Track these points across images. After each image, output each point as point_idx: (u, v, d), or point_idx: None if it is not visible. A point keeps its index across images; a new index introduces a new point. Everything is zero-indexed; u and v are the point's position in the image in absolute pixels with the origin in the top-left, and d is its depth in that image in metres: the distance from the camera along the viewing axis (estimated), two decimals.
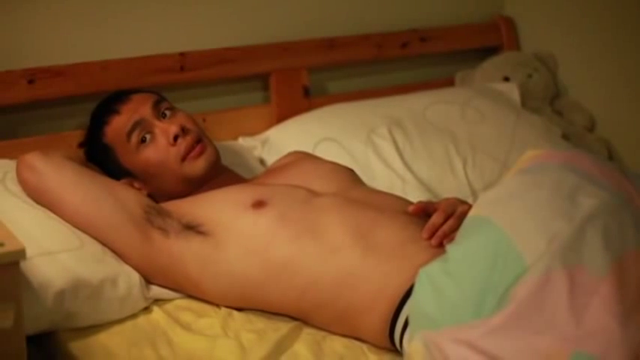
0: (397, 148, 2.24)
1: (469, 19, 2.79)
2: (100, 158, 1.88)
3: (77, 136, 2.02)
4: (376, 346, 1.59)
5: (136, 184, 1.84)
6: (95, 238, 1.71)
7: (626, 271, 1.31)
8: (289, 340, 1.59)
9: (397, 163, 2.22)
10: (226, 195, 1.76)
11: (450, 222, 1.62)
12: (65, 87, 2.06)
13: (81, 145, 1.97)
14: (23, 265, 1.43)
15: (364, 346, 1.59)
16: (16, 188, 1.77)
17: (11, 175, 1.80)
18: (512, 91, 2.57)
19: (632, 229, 1.36)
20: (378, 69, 2.65)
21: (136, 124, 1.82)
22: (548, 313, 1.28)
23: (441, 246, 1.58)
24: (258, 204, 1.70)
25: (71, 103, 2.12)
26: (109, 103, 1.89)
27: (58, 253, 1.64)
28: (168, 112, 1.87)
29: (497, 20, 2.80)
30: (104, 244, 1.71)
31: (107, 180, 1.79)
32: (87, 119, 1.95)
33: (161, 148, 1.82)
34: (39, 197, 1.75)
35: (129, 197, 1.75)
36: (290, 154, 2.06)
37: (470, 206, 1.64)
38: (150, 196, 1.83)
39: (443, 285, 1.38)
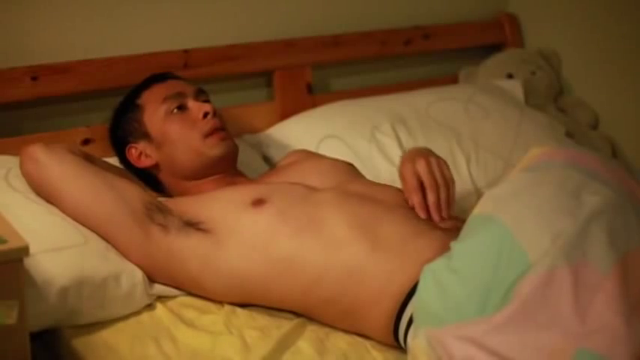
0: (400, 145, 2.24)
1: (472, 16, 2.78)
2: (124, 116, 1.92)
3: (81, 132, 2.02)
4: (380, 343, 1.59)
5: (148, 150, 1.88)
6: (96, 232, 1.71)
7: (630, 269, 1.31)
8: (292, 337, 1.59)
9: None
10: (226, 195, 1.76)
11: (442, 195, 1.70)
12: (69, 84, 2.06)
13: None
14: (27, 261, 1.43)
15: (368, 343, 1.59)
16: (19, 184, 1.77)
17: (15, 172, 1.80)
18: (515, 88, 2.57)
19: (636, 227, 1.36)
20: (382, 66, 2.65)
21: (178, 94, 1.89)
22: (552, 310, 1.28)
23: (443, 219, 1.68)
24: (258, 202, 1.70)
25: (75, 100, 2.12)
26: (156, 75, 1.97)
27: (61, 249, 1.64)
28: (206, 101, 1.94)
29: (500, 17, 2.80)
30: (105, 239, 1.71)
31: (109, 175, 1.79)
32: (90, 116, 1.95)
33: (189, 120, 1.87)
34: (40, 189, 1.75)
35: (130, 192, 1.75)
36: (291, 153, 2.06)
37: (428, 150, 1.80)
38: (156, 165, 1.88)
39: (447, 282, 1.38)
